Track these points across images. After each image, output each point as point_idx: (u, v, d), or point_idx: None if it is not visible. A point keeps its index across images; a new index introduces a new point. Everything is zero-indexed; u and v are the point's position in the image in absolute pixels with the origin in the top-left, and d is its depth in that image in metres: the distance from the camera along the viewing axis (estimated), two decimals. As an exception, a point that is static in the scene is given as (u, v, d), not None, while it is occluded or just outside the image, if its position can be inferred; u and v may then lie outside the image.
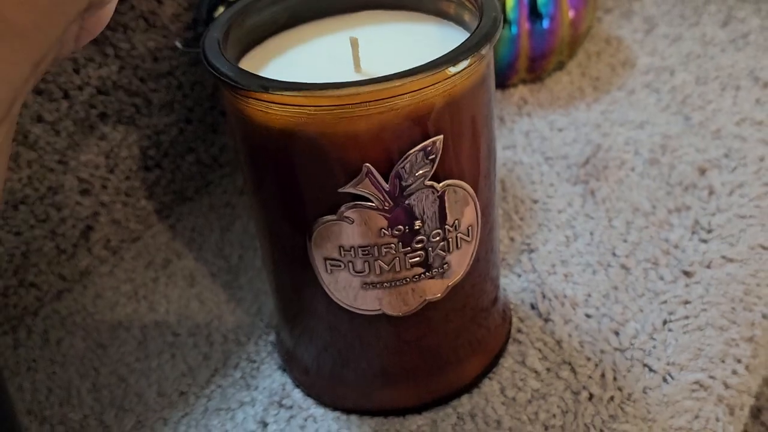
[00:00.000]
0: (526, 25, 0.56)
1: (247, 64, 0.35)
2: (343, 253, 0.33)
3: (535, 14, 0.56)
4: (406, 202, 0.32)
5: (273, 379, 0.41)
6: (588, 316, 0.42)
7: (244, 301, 0.45)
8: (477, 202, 0.34)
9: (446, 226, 0.33)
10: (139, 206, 0.50)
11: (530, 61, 0.58)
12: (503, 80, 0.59)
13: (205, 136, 0.52)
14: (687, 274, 0.43)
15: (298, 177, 0.32)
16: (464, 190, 0.33)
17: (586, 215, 0.47)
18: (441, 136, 0.31)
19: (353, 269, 0.34)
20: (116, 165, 0.48)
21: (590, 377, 0.39)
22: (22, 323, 0.46)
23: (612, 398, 0.38)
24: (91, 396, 0.41)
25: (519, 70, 0.58)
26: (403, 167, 0.31)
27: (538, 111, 0.57)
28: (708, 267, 0.43)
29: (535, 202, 0.49)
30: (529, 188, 0.50)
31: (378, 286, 0.34)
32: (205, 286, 0.47)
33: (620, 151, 0.52)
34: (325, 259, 0.34)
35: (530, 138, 0.54)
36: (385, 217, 0.32)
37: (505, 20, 0.56)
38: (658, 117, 0.55)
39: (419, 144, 0.31)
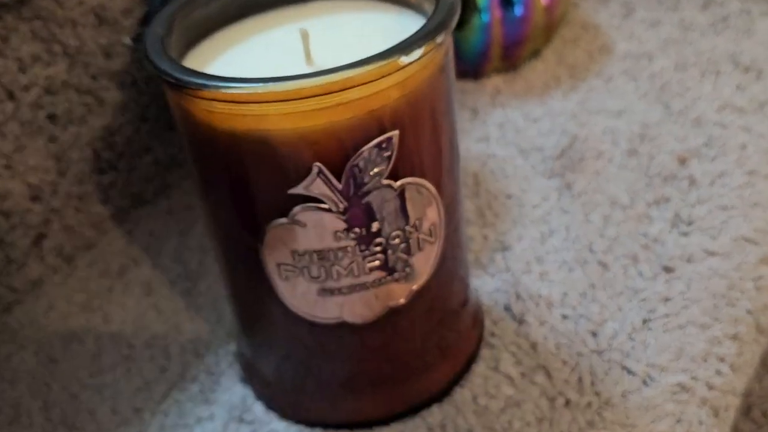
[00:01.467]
0: (497, 13, 0.54)
1: (193, 60, 0.33)
2: (297, 258, 0.31)
3: (506, 1, 0.54)
4: (363, 201, 0.30)
5: (233, 392, 0.38)
6: (564, 316, 0.40)
7: (204, 308, 0.43)
8: (439, 200, 0.32)
9: (407, 227, 0.31)
10: (93, 211, 0.48)
11: (503, 50, 0.56)
12: (476, 70, 0.57)
13: (163, 135, 0.50)
14: (667, 269, 0.41)
15: (247, 178, 0.30)
16: (425, 188, 0.31)
17: (562, 210, 0.45)
18: (397, 131, 0.29)
19: (309, 275, 0.31)
20: (68, 168, 0.46)
21: (566, 382, 0.37)
22: (-31, 338, 0.43)
23: (589, 404, 0.36)
24: (42, 415, 0.39)
25: (492, 59, 0.56)
26: (357, 165, 0.29)
27: (512, 101, 0.55)
28: (689, 261, 0.41)
29: (509, 197, 0.47)
30: (502, 182, 0.48)
31: (336, 292, 0.32)
32: (163, 295, 0.44)
33: (597, 142, 0.50)
34: (279, 264, 0.31)
35: (504, 129, 0.52)
36: (340, 219, 0.30)
37: (476, 8, 0.54)
38: (636, 105, 0.53)
39: (373, 140, 0.29)
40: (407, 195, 0.31)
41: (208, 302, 0.43)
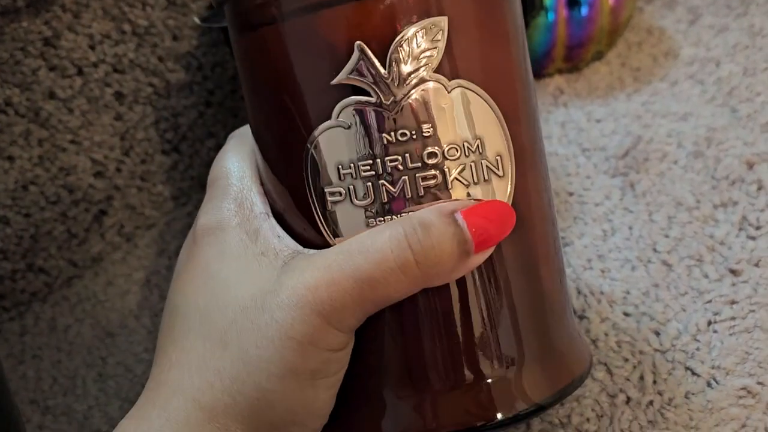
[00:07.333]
0: (563, 12, 0.54)
1: None
2: (342, 175, 0.29)
3: (573, 1, 0.54)
4: (412, 96, 0.28)
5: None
6: (626, 314, 0.39)
7: (261, 291, 0.43)
8: (504, 123, 0.29)
9: (465, 143, 0.29)
10: (154, 191, 0.48)
11: (567, 50, 0.55)
12: (539, 69, 0.56)
13: (226, 121, 0.50)
14: (734, 272, 0.40)
15: (293, 75, 0.29)
16: (483, 99, 0.29)
17: (625, 209, 0.45)
18: (446, 17, 0.28)
19: (355, 198, 0.29)
20: (131, 147, 0.46)
21: (628, 379, 0.36)
22: (29, 309, 0.44)
23: (651, 403, 0.35)
24: (97, 386, 0.39)
25: (555, 59, 0.56)
26: (401, 46, 0.27)
27: (575, 101, 0.54)
28: (756, 265, 0.40)
29: (571, 194, 0.46)
30: (564, 180, 0.47)
31: (385, 221, 0.28)
32: (221, 275, 0.44)
33: (662, 143, 0.49)
34: (325, 190, 0.29)
35: (566, 129, 0.52)
36: (387, 116, 0.28)
37: (542, 6, 0.53)
38: (702, 109, 0.52)
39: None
40: (463, 100, 0.28)
41: (264, 285, 0.43)
